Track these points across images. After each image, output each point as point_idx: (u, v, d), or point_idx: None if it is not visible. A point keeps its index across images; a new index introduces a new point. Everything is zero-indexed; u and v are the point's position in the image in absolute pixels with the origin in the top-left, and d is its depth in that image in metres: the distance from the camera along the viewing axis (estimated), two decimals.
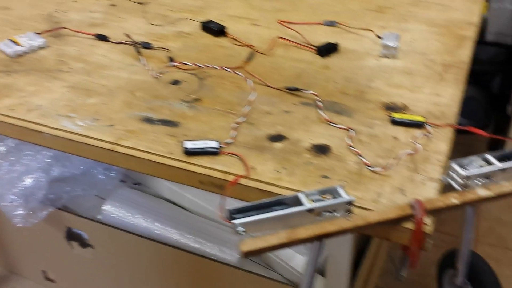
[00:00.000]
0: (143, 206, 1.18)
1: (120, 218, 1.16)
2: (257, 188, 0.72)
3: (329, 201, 0.64)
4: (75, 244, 1.24)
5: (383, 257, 1.51)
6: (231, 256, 1.11)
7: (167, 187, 1.27)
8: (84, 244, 1.23)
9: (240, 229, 0.61)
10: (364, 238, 1.25)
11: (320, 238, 0.64)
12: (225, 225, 1.17)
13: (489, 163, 0.70)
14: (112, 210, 1.17)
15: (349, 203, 0.65)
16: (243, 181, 0.72)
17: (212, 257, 1.12)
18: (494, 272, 0.79)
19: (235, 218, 0.62)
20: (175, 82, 0.93)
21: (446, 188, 0.71)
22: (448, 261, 0.83)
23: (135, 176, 1.38)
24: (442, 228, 1.73)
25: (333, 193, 0.67)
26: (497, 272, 1.71)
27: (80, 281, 1.31)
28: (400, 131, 0.82)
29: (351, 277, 1.06)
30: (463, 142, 2.40)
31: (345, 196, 0.65)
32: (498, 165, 0.69)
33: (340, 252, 0.87)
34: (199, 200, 1.20)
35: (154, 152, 0.76)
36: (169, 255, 1.11)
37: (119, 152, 0.77)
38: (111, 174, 1.27)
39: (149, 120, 0.83)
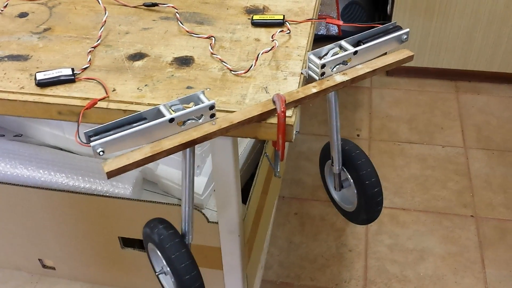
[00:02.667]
0: (23, 156, 1.12)
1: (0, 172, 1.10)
2: (119, 109, 0.69)
3: (190, 109, 0.63)
4: None
5: (282, 169, 1.56)
6: (124, 189, 1.09)
7: (49, 133, 1.22)
8: None
9: (99, 149, 0.59)
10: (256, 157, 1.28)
11: (186, 146, 0.63)
12: None
13: (344, 49, 0.72)
14: None
15: (211, 107, 0.64)
16: (103, 104, 0.69)
17: (105, 194, 1.09)
18: (365, 154, 0.83)
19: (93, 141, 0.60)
20: (22, 15, 0.86)
21: (309, 80, 0.72)
22: (325, 153, 0.86)
23: (15, 128, 1.30)
24: None
25: (195, 100, 0.66)
26: (391, 163, 1.82)
27: None
28: (261, 32, 0.81)
29: (243, 187, 1.08)
30: None
31: (206, 101, 0.64)
32: (351, 49, 0.70)
33: (226, 164, 0.87)
34: None
35: (4, 90, 0.71)
36: (60, 199, 1.08)
37: None
38: None
39: None
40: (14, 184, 1.06)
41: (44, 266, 1.26)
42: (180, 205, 1.03)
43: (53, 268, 1.26)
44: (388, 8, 2.19)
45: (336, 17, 2.08)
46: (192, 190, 0.71)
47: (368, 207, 0.85)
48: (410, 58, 0.74)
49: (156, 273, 0.73)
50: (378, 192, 0.84)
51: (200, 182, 1.12)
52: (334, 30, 2.22)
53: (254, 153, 1.31)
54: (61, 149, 1.21)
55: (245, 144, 1.26)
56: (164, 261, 0.69)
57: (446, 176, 1.78)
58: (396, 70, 2.21)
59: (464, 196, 1.71)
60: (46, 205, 1.09)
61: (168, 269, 0.68)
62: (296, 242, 1.62)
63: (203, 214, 1.03)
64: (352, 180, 0.85)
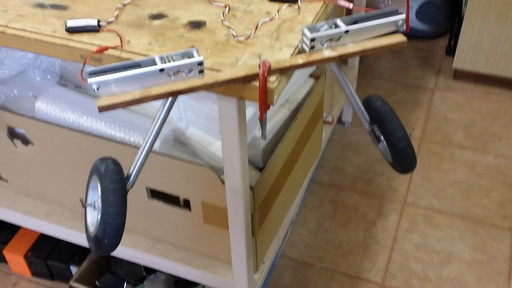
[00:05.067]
0: (73, 103, 1.25)
1: (51, 114, 1.24)
2: (129, 59, 0.78)
3: (179, 62, 0.71)
4: (17, 142, 1.32)
5: (315, 153, 1.60)
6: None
7: None
8: (25, 141, 1.31)
9: (94, 86, 0.69)
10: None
11: (172, 94, 0.71)
12: (150, 117, 1.25)
13: (338, 27, 0.76)
14: (43, 107, 1.25)
15: (200, 63, 0.71)
16: (116, 53, 0.79)
17: (138, 146, 1.20)
18: (392, 111, 0.85)
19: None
20: None
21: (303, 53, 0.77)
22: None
23: (76, 80, 1.44)
24: None
25: (189, 55, 0.73)
26: (438, 166, 1.81)
27: (29, 178, 1.41)
28: (274, 7, 0.87)
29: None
30: (423, 48, 2.44)
31: (196, 57, 0.72)
32: (343, 28, 0.75)
33: (231, 125, 0.93)
34: None
35: (40, 32, 0.83)
36: (97, 145, 1.19)
37: (9, 34, 0.84)
38: (47, 77, 1.34)
39: (41, 5, 0.89)
40: (60, 126, 1.19)
41: (84, 206, 1.40)
42: (202, 165, 1.12)
43: None
44: (462, 10, 2.15)
45: (406, 13, 2.07)
46: (155, 138, 0.78)
47: (398, 160, 0.88)
48: (402, 43, 0.77)
49: (86, 204, 0.77)
50: (406, 146, 0.86)
51: None
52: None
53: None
54: None
55: (279, 116, 1.31)
56: (99, 192, 0.72)
57: (492, 186, 1.74)
58: (464, 75, 2.16)
59: (505, 208, 1.67)
60: (85, 149, 1.22)
61: (100, 202, 0.72)
62: (326, 226, 1.66)
63: (218, 176, 1.11)
64: (382, 136, 0.88)
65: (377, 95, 0.88)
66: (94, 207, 0.75)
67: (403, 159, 0.87)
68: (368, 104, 0.87)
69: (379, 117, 0.86)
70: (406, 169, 0.90)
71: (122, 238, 1.39)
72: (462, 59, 2.09)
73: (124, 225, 0.73)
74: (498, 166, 1.81)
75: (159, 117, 0.76)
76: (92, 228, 0.75)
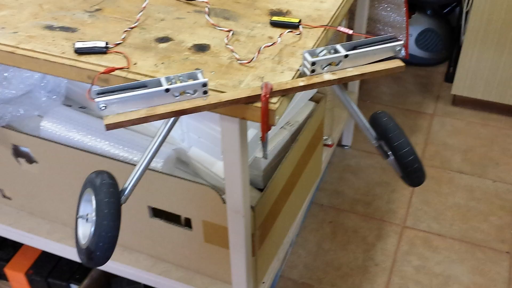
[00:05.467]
0: (78, 122, 1.28)
1: (56, 133, 1.26)
2: (135, 79, 0.81)
3: (184, 83, 0.73)
4: (22, 160, 1.35)
5: (313, 174, 1.62)
6: (155, 162, 1.21)
7: None
8: (29, 160, 1.33)
9: (101, 105, 0.71)
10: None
11: (177, 114, 0.74)
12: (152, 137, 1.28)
13: (338, 52, 0.79)
14: (49, 126, 1.27)
15: (204, 85, 0.74)
16: (123, 73, 0.81)
17: None
18: (398, 127, 0.87)
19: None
20: None
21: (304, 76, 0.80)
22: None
23: (81, 101, 1.47)
24: None
25: (194, 77, 0.76)
26: (436, 189, 1.82)
27: (32, 196, 1.43)
28: (276, 32, 0.90)
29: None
30: (422, 74, 2.48)
31: (200, 79, 0.74)
32: (342, 52, 0.77)
33: (233, 146, 0.95)
34: None
35: (49, 53, 0.86)
36: (101, 164, 1.22)
37: (19, 54, 0.86)
38: (53, 97, 1.37)
39: (50, 27, 0.92)
40: (65, 145, 1.22)
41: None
42: (203, 184, 1.14)
43: None
44: (461, 38, 2.19)
45: (405, 41, 2.11)
46: (154, 155, 0.79)
47: (406, 174, 0.90)
48: (400, 68, 0.79)
49: (77, 216, 0.76)
50: (413, 161, 0.87)
51: None
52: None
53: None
54: None
55: (280, 138, 1.33)
56: (94, 204, 0.72)
57: (490, 210, 1.75)
58: (462, 101, 2.19)
59: (504, 232, 1.68)
60: (88, 168, 1.23)
61: (94, 215, 0.71)
62: (325, 248, 1.67)
63: (220, 195, 1.12)
64: (390, 151, 0.89)
65: (383, 112, 0.89)
66: (87, 220, 0.74)
67: (412, 173, 0.89)
68: (374, 121, 0.89)
69: (385, 134, 0.88)
70: (415, 183, 0.92)
71: (123, 257, 1.40)
72: (461, 86, 2.13)
73: (117, 238, 0.73)
74: (496, 191, 1.82)
75: (159, 135, 0.79)
76: (83, 241, 0.74)
